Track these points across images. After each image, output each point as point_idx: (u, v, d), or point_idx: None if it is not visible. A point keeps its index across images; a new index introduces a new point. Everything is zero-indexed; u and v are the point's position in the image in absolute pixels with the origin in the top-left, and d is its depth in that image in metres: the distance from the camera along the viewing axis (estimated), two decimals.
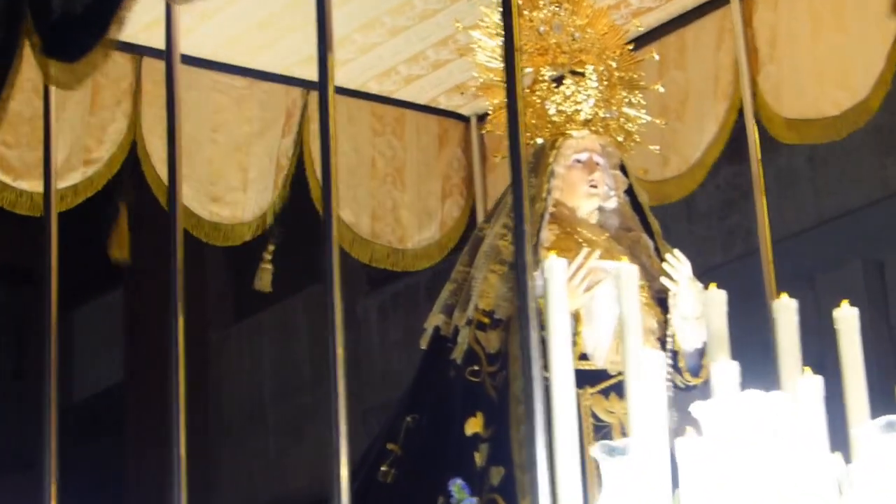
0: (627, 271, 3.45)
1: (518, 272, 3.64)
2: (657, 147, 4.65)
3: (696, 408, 3.15)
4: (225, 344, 13.48)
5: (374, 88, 5.73)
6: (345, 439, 3.71)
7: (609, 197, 4.47)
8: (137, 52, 5.22)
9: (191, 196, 5.30)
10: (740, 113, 5.00)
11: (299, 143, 5.55)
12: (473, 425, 4.19)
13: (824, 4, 4.89)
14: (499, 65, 4.46)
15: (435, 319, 4.47)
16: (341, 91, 5.68)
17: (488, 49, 4.54)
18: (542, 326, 4.17)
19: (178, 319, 4.22)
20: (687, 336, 4.31)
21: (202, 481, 12.66)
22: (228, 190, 5.42)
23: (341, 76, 5.62)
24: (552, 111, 4.43)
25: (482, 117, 5.94)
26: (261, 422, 12.63)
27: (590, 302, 4.25)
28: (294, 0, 5.01)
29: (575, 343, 4.20)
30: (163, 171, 5.18)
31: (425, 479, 4.23)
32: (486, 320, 4.28)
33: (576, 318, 4.22)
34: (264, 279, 5.45)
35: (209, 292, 14.52)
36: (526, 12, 4.49)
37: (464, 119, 5.98)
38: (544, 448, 3.30)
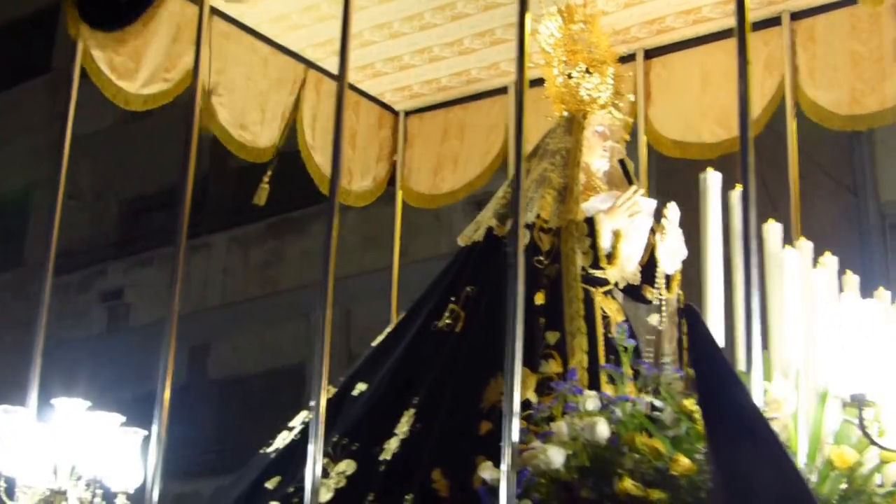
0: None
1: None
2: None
3: None
4: None
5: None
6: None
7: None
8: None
9: (229, 120, 6.81)
10: None
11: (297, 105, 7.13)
12: (539, 298, 5.65)
13: None
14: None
15: (488, 222, 5.94)
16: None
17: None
18: (592, 235, 5.91)
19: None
20: (667, 263, 5.94)
21: None
22: (252, 123, 6.96)
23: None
24: (583, 93, 6.25)
25: (409, 113, 7.68)
26: None
27: (629, 225, 5.90)
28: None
29: (614, 255, 5.91)
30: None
31: (494, 333, 5.13)
32: (544, 225, 5.88)
33: (616, 235, 5.87)
34: (261, 196, 6.83)
35: None
36: (565, 24, 6.31)
37: (395, 112, 7.70)
38: None
